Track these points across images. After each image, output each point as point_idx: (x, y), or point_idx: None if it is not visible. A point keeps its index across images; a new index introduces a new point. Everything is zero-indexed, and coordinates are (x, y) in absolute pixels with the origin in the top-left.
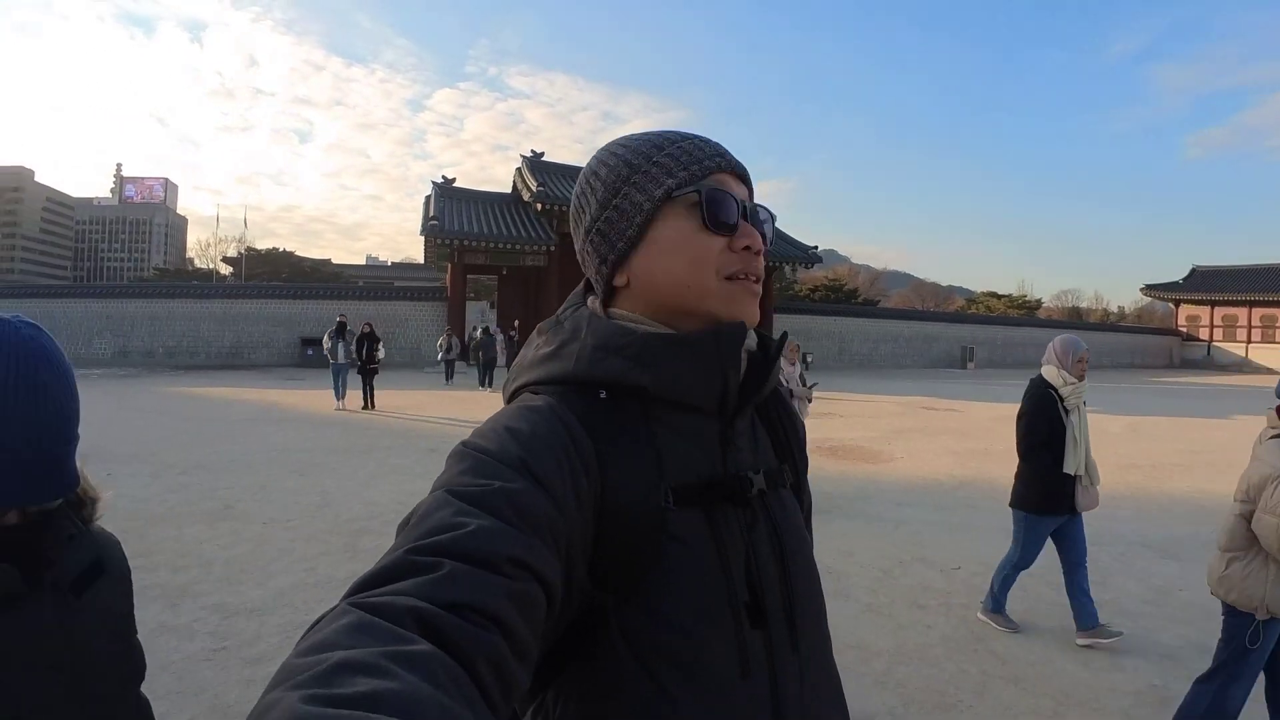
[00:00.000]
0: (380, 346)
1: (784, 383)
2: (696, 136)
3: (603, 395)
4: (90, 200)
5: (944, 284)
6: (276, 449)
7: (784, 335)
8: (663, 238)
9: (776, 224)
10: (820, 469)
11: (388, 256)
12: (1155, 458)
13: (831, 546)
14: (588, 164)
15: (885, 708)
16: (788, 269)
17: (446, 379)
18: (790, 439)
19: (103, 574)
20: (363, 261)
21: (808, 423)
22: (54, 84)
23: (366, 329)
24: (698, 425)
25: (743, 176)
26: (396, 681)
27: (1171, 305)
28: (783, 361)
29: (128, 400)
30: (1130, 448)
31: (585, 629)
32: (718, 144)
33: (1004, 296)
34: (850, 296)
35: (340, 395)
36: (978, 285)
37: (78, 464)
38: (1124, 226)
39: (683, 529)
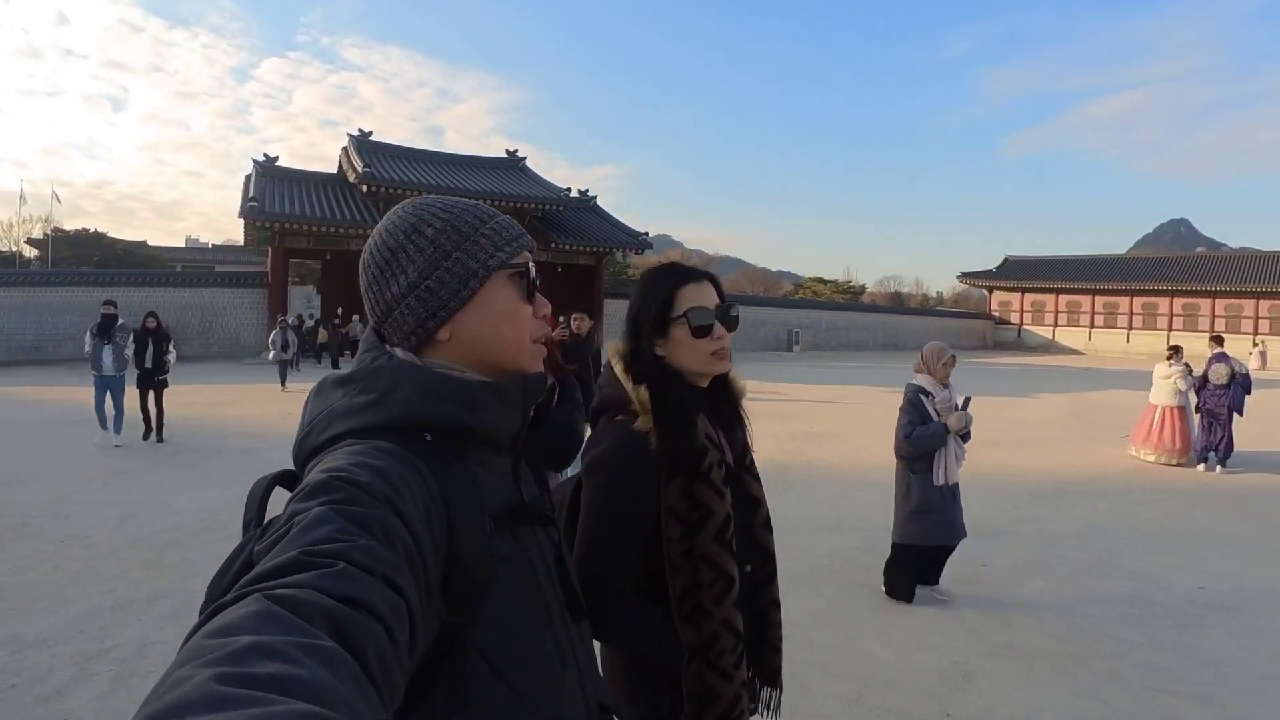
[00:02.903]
0: (171, 347)
1: (936, 414)
2: (502, 215)
3: (428, 438)
4: None
5: (773, 269)
6: (80, 455)
7: (553, 385)
8: (492, 302)
9: (608, 210)
10: None
11: (209, 238)
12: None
13: None
14: (398, 220)
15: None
16: (618, 255)
17: (282, 384)
18: (542, 470)
19: None
20: (182, 244)
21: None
22: None
23: (151, 323)
24: (498, 460)
25: (533, 252)
26: (303, 669)
27: (986, 291)
28: (929, 382)
29: None
30: None
31: (444, 650)
32: (520, 225)
33: (830, 282)
34: None
35: (110, 423)
36: (805, 271)
37: None
38: (944, 218)
39: (503, 550)
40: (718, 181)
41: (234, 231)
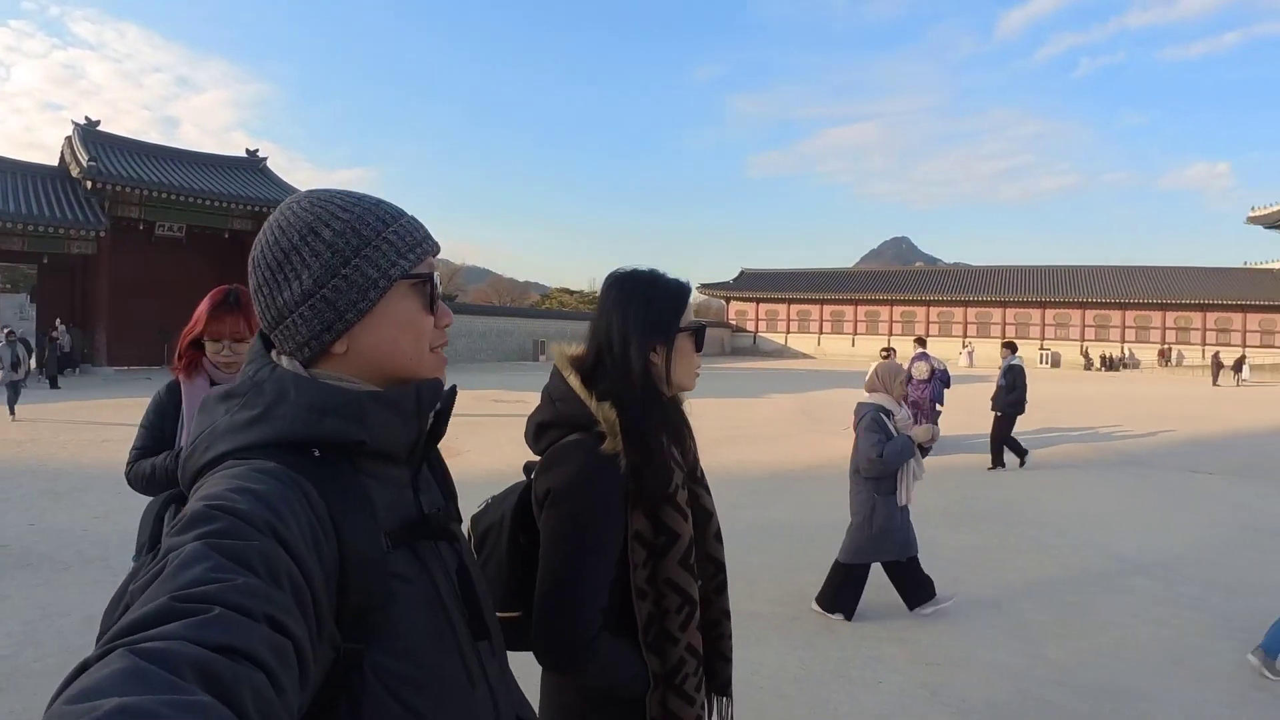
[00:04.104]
0: None
1: (897, 429)
2: (407, 214)
3: (316, 454)
4: None
5: (520, 280)
6: None
7: (454, 388)
8: (392, 314)
9: None
10: None
11: None
12: (705, 434)
13: None
14: (293, 217)
15: None
16: None
17: (11, 410)
18: (447, 479)
19: None
20: None
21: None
22: None
23: None
24: (395, 473)
25: (436, 255)
26: None
27: (724, 301)
28: (888, 400)
29: None
30: None
31: (341, 678)
32: (425, 227)
33: (576, 292)
34: None
35: None
36: (552, 281)
37: None
38: (688, 232)
39: (401, 567)
40: (465, 192)
41: None
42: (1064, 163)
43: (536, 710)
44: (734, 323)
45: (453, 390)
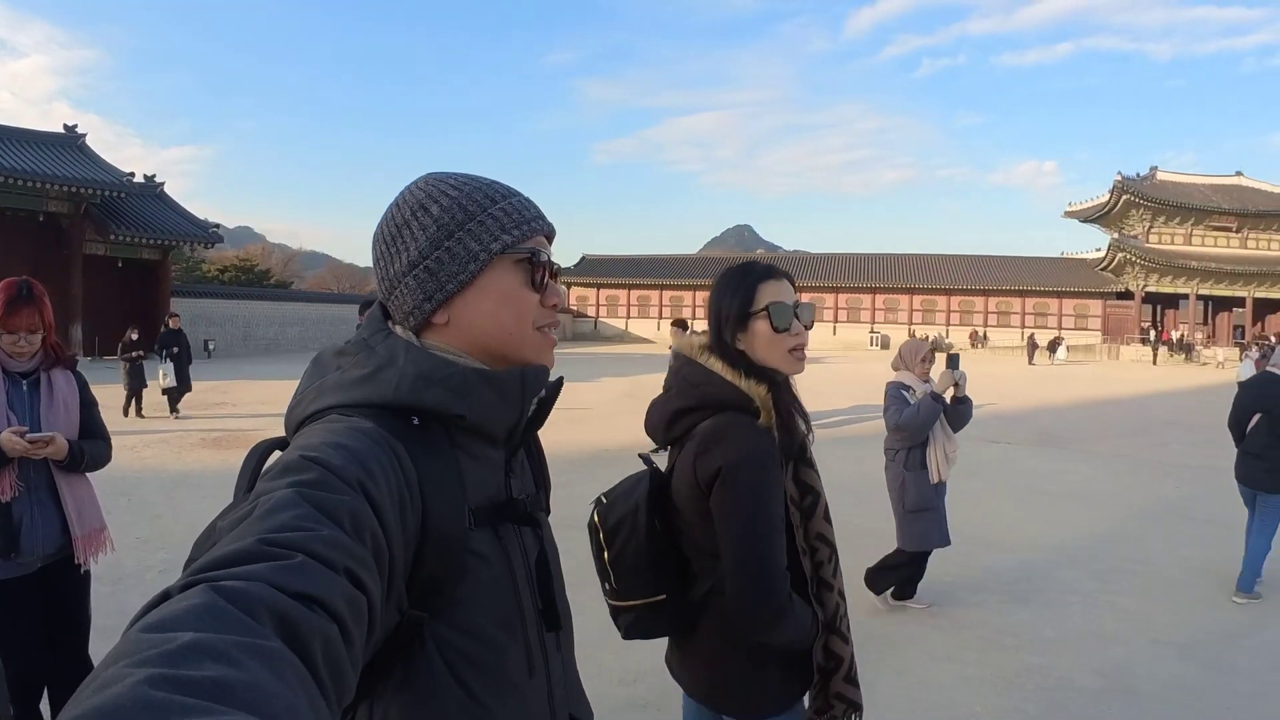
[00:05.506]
0: None
1: (910, 398)
2: (520, 195)
3: (415, 422)
4: None
5: (361, 265)
6: None
7: (560, 379)
8: (493, 288)
9: (176, 199)
10: (199, 463)
11: None
12: None
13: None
14: (408, 195)
15: None
16: (187, 249)
17: None
18: (543, 467)
19: None
20: None
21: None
22: None
23: None
24: (490, 453)
25: (550, 236)
26: (245, 672)
27: (565, 287)
28: (909, 378)
29: None
30: None
31: (402, 643)
32: (538, 207)
33: None
34: (262, 278)
35: None
36: None
37: None
38: None
39: (480, 546)
40: (308, 172)
41: None
42: (903, 157)
43: (681, 680)
44: (575, 308)
45: (559, 381)
